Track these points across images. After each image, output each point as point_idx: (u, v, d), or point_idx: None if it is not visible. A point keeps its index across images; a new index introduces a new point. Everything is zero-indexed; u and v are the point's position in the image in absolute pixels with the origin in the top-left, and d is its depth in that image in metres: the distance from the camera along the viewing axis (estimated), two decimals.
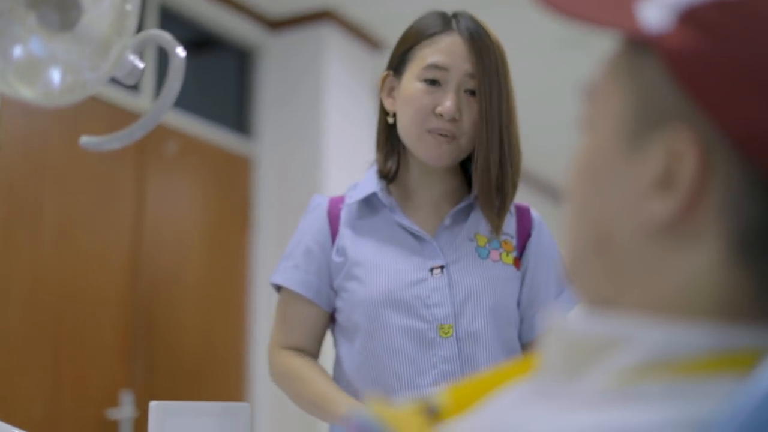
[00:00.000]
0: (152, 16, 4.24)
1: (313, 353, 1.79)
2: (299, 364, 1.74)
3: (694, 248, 0.57)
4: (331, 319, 1.78)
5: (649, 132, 0.59)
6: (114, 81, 1.09)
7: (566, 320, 0.63)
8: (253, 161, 4.89)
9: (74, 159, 3.81)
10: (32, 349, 3.59)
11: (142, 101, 4.18)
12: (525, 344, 1.73)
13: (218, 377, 4.51)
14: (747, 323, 0.57)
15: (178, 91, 1.04)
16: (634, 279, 0.60)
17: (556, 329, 0.64)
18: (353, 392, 1.68)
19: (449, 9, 1.76)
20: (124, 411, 3.88)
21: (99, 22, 1.00)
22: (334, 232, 1.76)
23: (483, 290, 1.67)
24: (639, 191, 0.59)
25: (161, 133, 4.23)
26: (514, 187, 1.70)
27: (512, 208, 1.76)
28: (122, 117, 3.97)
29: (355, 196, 1.77)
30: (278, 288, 1.80)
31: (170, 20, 4.36)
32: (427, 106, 1.65)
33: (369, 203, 1.76)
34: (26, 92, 0.98)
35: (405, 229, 1.71)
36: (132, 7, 1.01)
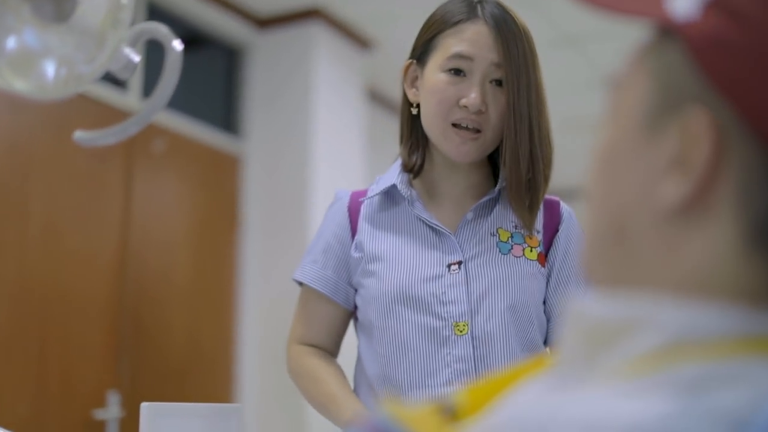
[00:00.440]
0: (140, 13, 4.21)
1: (331, 350, 1.77)
2: (313, 363, 1.72)
3: (708, 232, 0.57)
4: (355, 317, 1.75)
5: (667, 114, 0.59)
6: (106, 76, 1.07)
7: (583, 306, 0.62)
8: (241, 159, 4.87)
9: (61, 156, 3.78)
10: (18, 348, 3.56)
11: (129, 99, 4.15)
12: (551, 346, 1.67)
13: (205, 377, 4.49)
14: (764, 308, 0.56)
15: (174, 86, 1.02)
16: (649, 263, 0.59)
17: (574, 316, 0.63)
18: (372, 392, 1.66)
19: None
20: (110, 411, 3.85)
21: (94, 14, 0.97)
22: (353, 227, 1.72)
23: (501, 287, 1.61)
24: (654, 174, 0.59)
25: (149, 131, 4.20)
26: (546, 180, 1.64)
27: None
28: (109, 114, 3.94)
29: (376, 190, 1.73)
30: (300, 284, 1.77)
31: (158, 18, 4.34)
32: (451, 98, 1.60)
33: (390, 196, 1.72)
34: (20, 85, 0.96)
35: (424, 222, 1.67)
36: (127, 0, 0.99)
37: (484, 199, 1.67)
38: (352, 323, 1.78)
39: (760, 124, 0.55)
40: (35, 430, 3.56)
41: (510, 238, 1.66)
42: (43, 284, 3.68)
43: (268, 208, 4.79)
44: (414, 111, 1.69)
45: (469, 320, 1.59)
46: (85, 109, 3.82)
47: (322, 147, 4.81)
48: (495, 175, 1.73)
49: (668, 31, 0.60)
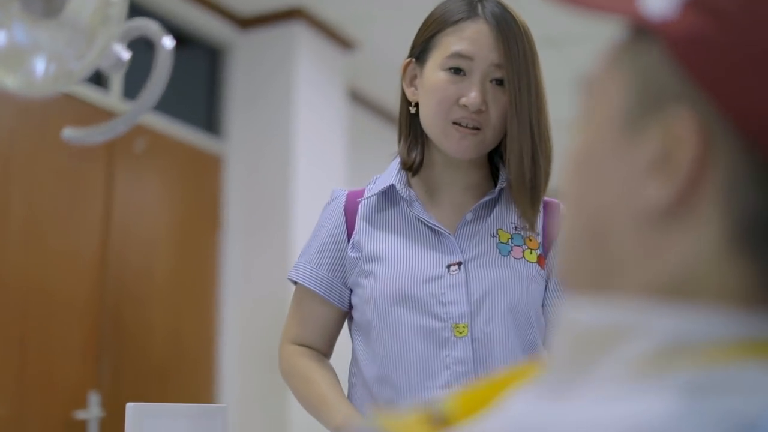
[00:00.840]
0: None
1: (323, 350, 1.75)
2: (305, 363, 1.70)
3: (693, 233, 0.56)
4: (350, 317, 1.73)
5: (647, 115, 0.58)
6: (89, 77, 1.06)
7: (573, 313, 0.61)
8: (222, 159, 4.86)
9: (41, 155, 3.76)
10: None
11: (110, 97, 4.13)
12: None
13: (187, 377, 4.47)
14: (757, 310, 0.55)
15: (164, 84, 1.01)
16: (631, 267, 0.58)
17: (564, 323, 0.62)
18: (368, 392, 1.64)
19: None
20: (91, 411, 3.83)
21: (84, 10, 0.96)
22: (350, 227, 1.70)
23: (501, 289, 1.60)
24: (635, 176, 0.58)
25: (130, 131, 4.16)
26: (547, 178, 1.62)
27: None
28: (91, 113, 3.93)
29: (373, 189, 1.71)
30: (295, 283, 1.76)
31: (140, 17, 4.31)
32: (451, 97, 1.59)
33: (388, 196, 1.70)
34: (8, 81, 0.95)
35: (423, 223, 1.65)
36: None
37: (485, 199, 1.66)
38: (345, 324, 1.77)
39: (745, 121, 0.54)
40: (15, 430, 3.53)
41: (510, 240, 1.65)
42: (24, 283, 3.65)
43: (249, 207, 4.78)
44: (412, 110, 1.68)
45: (469, 322, 1.57)
46: (66, 108, 3.80)
47: (304, 147, 4.80)
48: (494, 176, 1.72)
49: (645, 30, 0.59)
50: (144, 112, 1.04)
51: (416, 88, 1.67)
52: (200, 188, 4.72)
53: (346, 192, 1.76)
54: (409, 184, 1.70)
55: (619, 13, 0.60)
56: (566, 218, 0.65)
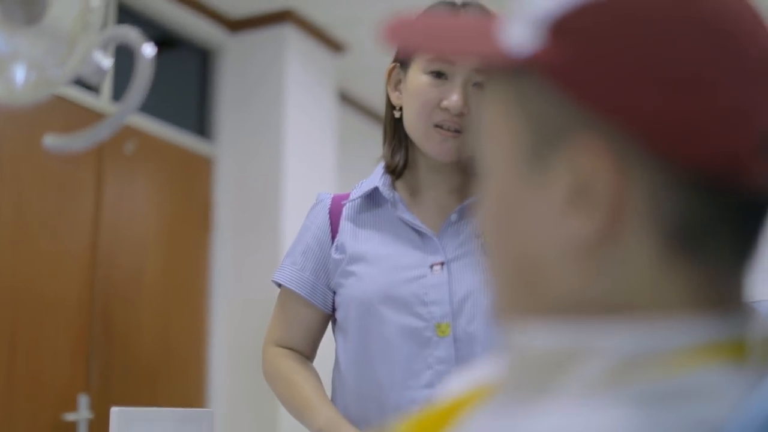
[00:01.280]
0: (111, 14, 4.18)
1: (307, 353, 1.76)
2: (289, 366, 1.71)
3: (625, 256, 0.56)
4: (333, 320, 1.74)
5: (548, 152, 0.57)
6: (78, 80, 1.06)
7: (523, 338, 0.60)
8: (213, 161, 4.85)
9: (31, 156, 3.75)
10: None
11: (100, 100, 4.12)
12: None
13: (176, 379, 4.46)
14: (703, 315, 0.55)
15: (145, 91, 1.01)
16: (571, 295, 0.58)
17: (514, 349, 0.61)
18: (350, 394, 1.64)
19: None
20: (80, 413, 3.82)
21: (64, 17, 0.96)
22: (334, 230, 1.71)
23: (483, 289, 1.58)
24: (555, 214, 0.57)
25: (120, 133, 4.17)
26: None
27: None
28: (80, 114, 3.92)
29: (358, 192, 1.72)
30: (279, 285, 1.76)
31: (129, 19, 4.31)
32: (433, 100, 1.60)
33: (372, 199, 1.71)
34: None
35: (407, 224, 1.66)
36: (98, 3, 0.98)
37: (470, 200, 1.66)
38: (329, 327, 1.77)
39: (649, 133, 0.54)
40: None
41: None
42: (13, 284, 3.65)
43: (239, 209, 4.78)
44: (397, 114, 1.69)
45: (452, 322, 1.58)
46: (55, 109, 3.79)
47: (294, 149, 4.80)
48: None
49: (518, 66, 0.58)
50: (125, 118, 1.04)
51: (400, 93, 1.69)
52: (190, 190, 4.72)
53: (332, 195, 1.77)
54: (393, 187, 1.71)
55: (482, 54, 0.59)
56: (492, 264, 0.64)
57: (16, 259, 3.68)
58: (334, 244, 1.70)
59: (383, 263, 1.63)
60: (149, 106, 4.40)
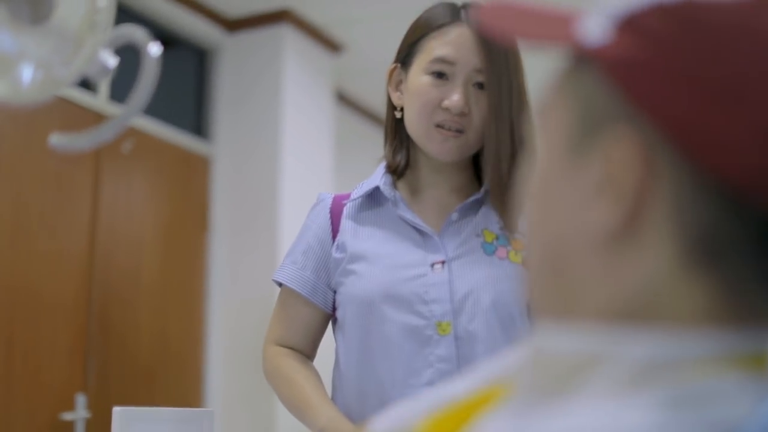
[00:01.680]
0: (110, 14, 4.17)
1: (307, 352, 1.76)
2: (289, 365, 1.71)
3: (646, 253, 0.56)
4: (333, 319, 1.74)
5: (589, 139, 0.59)
6: (83, 79, 1.06)
7: (541, 341, 0.61)
8: (210, 160, 4.85)
9: (29, 156, 3.75)
10: None
11: (98, 100, 4.12)
12: None
13: (174, 378, 4.46)
14: (722, 328, 0.56)
15: (151, 90, 1.01)
16: (590, 291, 0.59)
17: (530, 350, 0.62)
18: (350, 392, 1.65)
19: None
20: (77, 413, 3.82)
21: (71, 16, 0.97)
22: (335, 229, 1.71)
23: (484, 287, 1.60)
24: (584, 200, 0.58)
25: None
26: None
27: None
28: (78, 115, 3.92)
29: (359, 192, 1.73)
30: (280, 284, 1.76)
31: (127, 19, 4.31)
32: (434, 100, 1.61)
33: (373, 198, 1.72)
34: None
35: (408, 223, 1.66)
36: (104, 3, 0.98)
37: (470, 199, 1.67)
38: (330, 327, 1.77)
39: (684, 138, 0.54)
40: (2, 431, 3.53)
41: (495, 240, 1.65)
42: (11, 284, 3.65)
43: (236, 209, 4.78)
44: (398, 114, 1.70)
45: (452, 320, 1.58)
46: (54, 110, 3.79)
47: (291, 148, 4.80)
48: (479, 178, 1.73)
49: (584, 56, 0.60)
50: (131, 119, 1.04)
51: (402, 93, 1.70)
52: (187, 189, 4.72)
53: (332, 195, 1.77)
54: (394, 186, 1.71)
55: (558, 42, 0.61)
56: (528, 247, 0.65)
57: (14, 258, 3.68)
58: (335, 243, 1.70)
59: (384, 262, 1.63)
60: (147, 106, 4.38)
